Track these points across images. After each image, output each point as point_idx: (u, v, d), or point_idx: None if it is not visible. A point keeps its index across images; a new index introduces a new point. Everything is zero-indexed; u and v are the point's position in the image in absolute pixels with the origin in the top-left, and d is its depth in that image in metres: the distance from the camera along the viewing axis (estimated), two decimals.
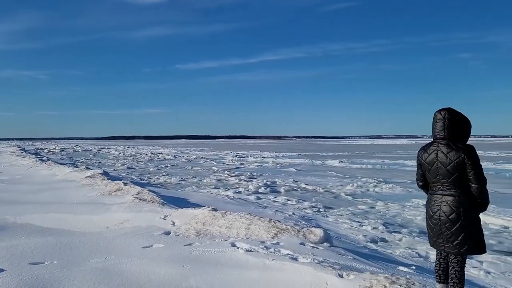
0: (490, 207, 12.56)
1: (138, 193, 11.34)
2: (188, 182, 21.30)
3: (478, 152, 3.49)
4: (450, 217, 3.37)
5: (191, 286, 4.55)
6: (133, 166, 33.44)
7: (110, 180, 15.31)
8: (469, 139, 3.54)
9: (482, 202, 3.40)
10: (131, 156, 52.50)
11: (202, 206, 9.14)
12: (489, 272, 6.92)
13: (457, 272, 3.36)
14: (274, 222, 6.89)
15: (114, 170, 28.75)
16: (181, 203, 11.32)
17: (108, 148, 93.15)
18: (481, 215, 3.50)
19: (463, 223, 3.35)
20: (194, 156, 50.07)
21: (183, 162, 39.79)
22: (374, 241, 8.97)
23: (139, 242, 6.54)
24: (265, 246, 5.84)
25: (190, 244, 6.29)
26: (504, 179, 22.09)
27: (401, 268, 5.86)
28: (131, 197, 10.55)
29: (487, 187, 3.43)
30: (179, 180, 22.14)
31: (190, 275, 4.85)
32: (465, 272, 3.49)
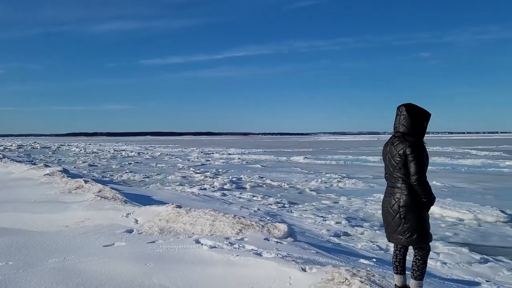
0: (447, 200, 13.10)
1: (100, 191, 11.04)
2: (153, 179, 20.97)
3: (435, 148, 3.61)
4: (392, 209, 3.50)
5: (154, 284, 4.48)
6: (95, 164, 32.56)
7: (70, 178, 14.83)
8: (428, 135, 3.64)
9: (422, 195, 3.42)
10: (93, 153, 51.07)
11: (166, 203, 9.01)
12: (445, 263, 7.22)
13: (418, 261, 3.49)
14: (239, 218, 6.89)
15: (74, 167, 27.88)
16: (144, 200, 11.13)
17: (68, 145, 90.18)
18: (436, 209, 3.62)
19: (401, 215, 3.44)
20: (159, 153, 49.31)
21: (147, 159, 39.11)
22: (337, 235, 9.15)
23: (100, 240, 6.38)
24: (229, 242, 5.83)
25: (153, 242, 6.19)
26: (459, 173, 23.06)
27: (362, 260, 6.01)
28: (92, 195, 10.26)
29: (427, 181, 3.46)
30: (143, 178, 21.76)
31: (153, 272, 4.78)
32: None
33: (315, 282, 4.07)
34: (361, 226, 10.12)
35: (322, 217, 11.20)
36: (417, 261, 3.49)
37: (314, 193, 15.97)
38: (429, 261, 7.17)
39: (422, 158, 3.43)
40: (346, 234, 9.37)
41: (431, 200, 3.44)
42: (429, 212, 3.57)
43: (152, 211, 8.16)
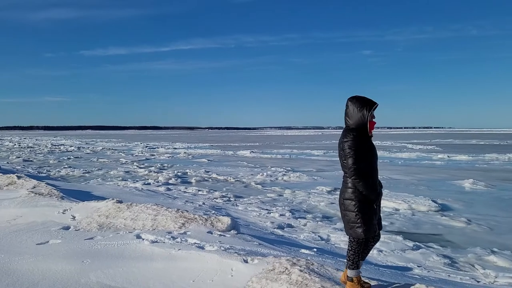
0: (384, 191, 13.76)
1: (34, 187, 10.45)
2: (93, 175, 20.17)
3: (375, 142, 3.61)
4: (339, 201, 3.55)
5: (91, 282, 4.32)
6: (30, 159, 30.74)
7: (1, 174, 13.90)
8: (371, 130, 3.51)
9: (359, 189, 3.37)
10: (28, 148, 48.16)
11: (107, 199, 8.71)
12: (381, 251, 7.57)
13: (349, 252, 3.55)
14: (182, 212, 6.81)
15: (7, 163, 26.17)
16: (83, 196, 10.68)
17: (1, 139, 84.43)
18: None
19: (344, 208, 3.49)
20: (101, 148, 47.49)
21: (88, 153, 37.53)
22: (280, 227, 9.30)
23: (33, 238, 6.04)
24: (171, 237, 5.75)
25: (91, 238, 5.96)
26: (396, 166, 24.28)
27: (303, 251, 6.16)
28: (25, 191, 9.68)
29: (366, 174, 3.36)
30: (83, 173, 20.87)
31: (90, 270, 4.60)
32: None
33: (257, 273, 4.11)
34: (304, 218, 10.36)
35: (267, 209, 11.34)
36: (348, 251, 3.54)
37: (259, 186, 16.13)
38: None
39: (358, 151, 3.35)
40: (289, 226, 9.55)
41: (369, 194, 3.36)
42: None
43: (91, 207, 7.85)
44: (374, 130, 3.59)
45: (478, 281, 5.96)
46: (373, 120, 3.49)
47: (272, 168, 22.67)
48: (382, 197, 3.74)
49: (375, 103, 3.48)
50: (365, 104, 3.46)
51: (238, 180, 17.90)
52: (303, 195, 13.77)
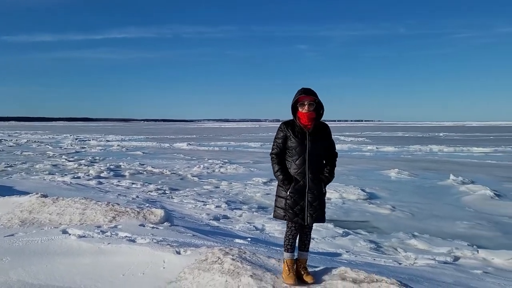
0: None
1: None
2: (17, 169, 18.83)
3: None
4: None
5: (11, 280, 4.05)
6: None
7: None
8: None
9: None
10: None
11: (30, 193, 8.18)
12: (313, 238, 7.83)
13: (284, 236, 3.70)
14: (113, 206, 6.57)
15: None
16: (4, 191, 9.93)
17: None
18: None
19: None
20: (25, 140, 44.39)
21: (10, 146, 34.95)
22: (216, 218, 9.31)
23: None
24: (101, 231, 5.54)
25: (12, 235, 5.58)
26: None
27: (238, 240, 6.22)
28: None
29: (274, 159, 3.59)
30: (5, 167, 19.41)
31: (10, 268, 4.31)
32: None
33: (189, 264, 4.09)
34: (240, 209, 10.45)
35: (203, 201, 11.29)
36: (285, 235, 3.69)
37: (196, 178, 16.00)
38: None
39: (276, 139, 3.62)
40: (225, 217, 9.59)
41: (276, 179, 3.59)
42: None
43: (12, 202, 7.33)
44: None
45: (400, 263, 6.38)
46: (303, 111, 3.53)
47: (209, 160, 22.57)
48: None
49: (301, 94, 3.51)
50: (295, 96, 3.56)
51: (174, 173, 17.63)
52: (239, 187, 13.87)
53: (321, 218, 3.55)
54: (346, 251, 7.05)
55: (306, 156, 3.51)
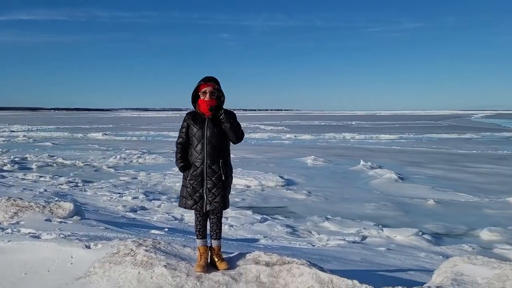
0: (237, 170, 14.40)
1: None
2: None
3: None
4: None
5: None
6: None
7: None
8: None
9: None
10: None
11: None
12: (232, 225, 7.93)
13: None
14: (14, 201, 6.05)
15: None
16: None
17: None
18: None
19: None
20: None
21: None
22: (133, 210, 9.03)
23: None
24: (0, 228, 5.08)
25: None
26: (250, 146, 25.56)
27: (154, 231, 6.09)
28: None
29: (177, 148, 3.59)
30: None
31: None
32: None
33: (99, 258, 3.90)
34: (159, 199, 10.23)
35: (119, 193, 10.87)
36: None
37: (112, 170, 15.34)
38: None
39: (181, 127, 3.65)
40: (143, 208, 9.33)
41: (177, 167, 3.63)
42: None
43: None
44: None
45: (314, 245, 6.69)
46: (204, 99, 3.51)
47: (127, 151, 21.75)
48: (235, 175, 3.88)
49: (202, 82, 3.50)
50: (196, 85, 3.54)
51: (88, 164, 16.73)
52: (158, 177, 13.55)
53: (221, 205, 3.53)
54: (264, 237, 7.22)
55: (204, 143, 3.49)
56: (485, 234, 7.55)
